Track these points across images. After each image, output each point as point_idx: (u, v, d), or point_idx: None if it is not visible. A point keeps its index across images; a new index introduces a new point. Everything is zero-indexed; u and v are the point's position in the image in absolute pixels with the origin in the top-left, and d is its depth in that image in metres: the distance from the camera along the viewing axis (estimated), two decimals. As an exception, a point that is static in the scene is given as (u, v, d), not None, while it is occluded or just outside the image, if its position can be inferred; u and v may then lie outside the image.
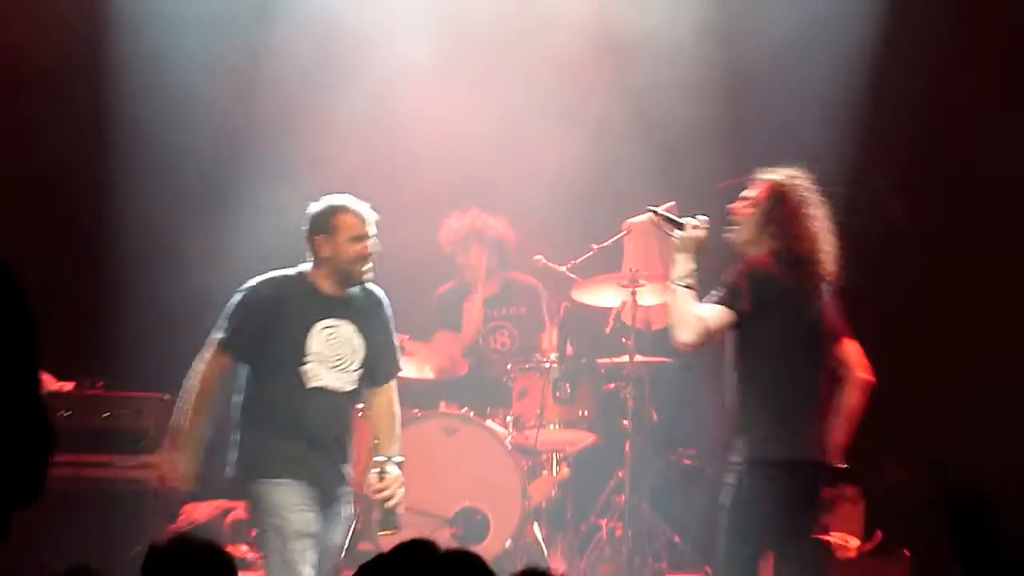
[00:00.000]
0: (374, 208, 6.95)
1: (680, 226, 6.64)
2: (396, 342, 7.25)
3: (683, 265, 6.61)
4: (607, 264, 9.47)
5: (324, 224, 6.87)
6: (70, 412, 8.91)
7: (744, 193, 6.73)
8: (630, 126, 10.06)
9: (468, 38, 10.03)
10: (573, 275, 9.23)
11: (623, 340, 9.42)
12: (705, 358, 8.97)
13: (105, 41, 9.86)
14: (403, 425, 7.26)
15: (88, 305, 9.73)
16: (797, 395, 6.62)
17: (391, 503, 6.95)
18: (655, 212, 6.75)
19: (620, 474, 9.42)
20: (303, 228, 6.94)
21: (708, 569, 9.37)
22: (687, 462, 10.07)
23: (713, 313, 6.51)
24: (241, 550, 9.37)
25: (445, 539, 8.46)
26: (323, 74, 9.91)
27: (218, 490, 9.28)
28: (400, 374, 7.33)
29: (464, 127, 9.92)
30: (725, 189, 9.11)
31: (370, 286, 7.03)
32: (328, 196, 6.94)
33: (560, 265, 9.26)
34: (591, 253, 9.16)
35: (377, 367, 7.08)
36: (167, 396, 8.74)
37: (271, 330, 6.83)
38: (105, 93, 9.84)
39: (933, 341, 9.76)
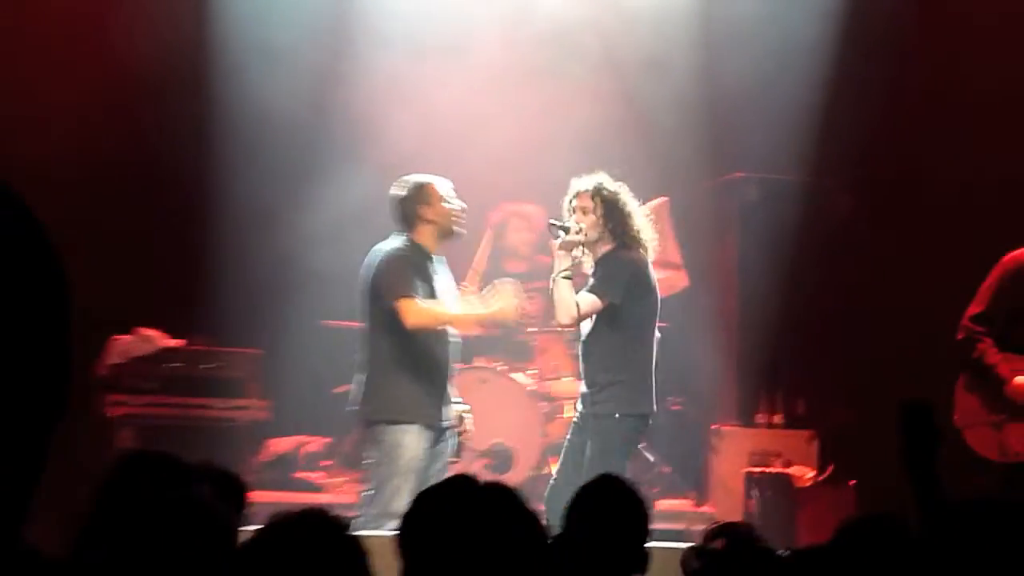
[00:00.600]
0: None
1: (566, 230, 7.33)
2: None
3: (564, 261, 7.35)
4: None
5: (423, 195, 7.55)
6: (181, 364, 9.54)
7: (578, 204, 7.37)
8: (627, 132, 10.11)
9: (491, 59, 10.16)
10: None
11: None
12: (687, 325, 9.92)
13: (209, 42, 10.14)
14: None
15: (196, 274, 9.98)
16: (649, 360, 7.50)
17: (462, 437, 7.70)
18: (550, 223, 7.42)
19: None
20: (400, 205, 7.56)
21: (691, 495, 9.99)
22: (674, 408, 10.37)
23: (586, 301, 7.30)
24: (312, 477, 10.04)
25: (479, 468, 8.95)
26: (403, 83, 10.03)
27: (293, 427, 10.18)
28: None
29: (502, 131, 10.09)
30: (708, 187, 10.64)
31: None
32: (407, 177, 7.59)
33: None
34: None
35: None
36: (258, 351, 9.71)
37: (427, 284, 7.51)
38: (210, 93, 10.17)
39: (878, 309, 10.10)
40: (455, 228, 7.55)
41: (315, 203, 10.01)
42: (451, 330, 7.55)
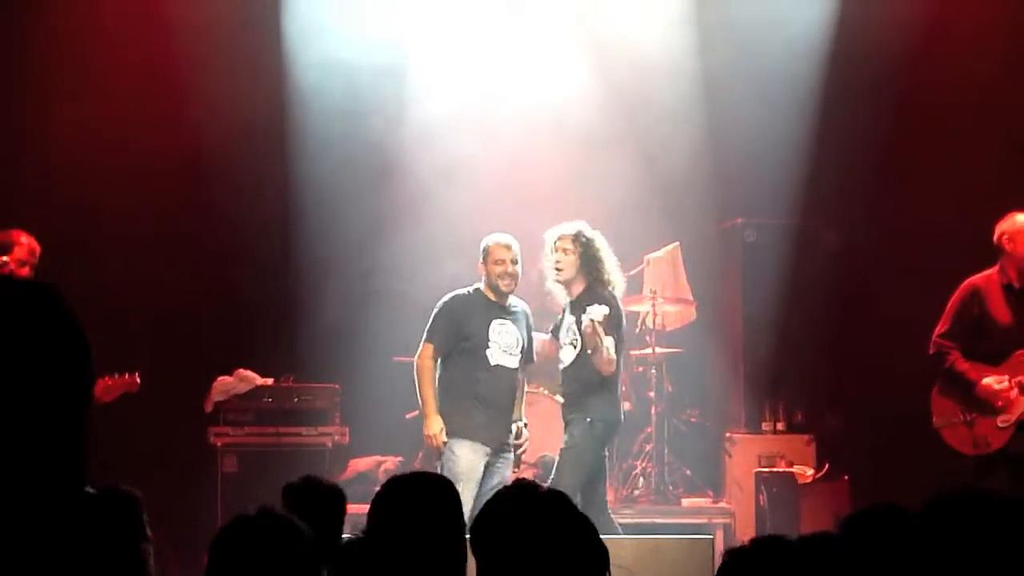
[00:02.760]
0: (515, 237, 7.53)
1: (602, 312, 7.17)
2: (532, 340, 7.83)
3: (607, 336, 7.29)
4: (634, 287, 9.51)
5: (483, 254, 7.66)
6: (271, 399, 9.44)
7: (559, 245, 7.29)
8: (640, 179, 10.02)
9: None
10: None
11: (647, 337, 9.84)
12: (701, 350, 10.18)
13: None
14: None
15: (283, 320, 10.03)
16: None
17: (520, 451, 7.77)
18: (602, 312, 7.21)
19: (648, 429, 9.83)
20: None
21: (710, 493, 9.84)
22: (693, 420, 10.38)
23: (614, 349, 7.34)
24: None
25: (531, 475, 8.86)
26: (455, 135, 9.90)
27: (372, 449, 10.01)
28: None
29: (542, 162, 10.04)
30: (718, 231, 10.50)
31: (516, 299, 7.69)
32: (488, 236, 7.61)
33: None
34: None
35: (526, 355, 7.76)
36: (336, 385, 9.54)
37: (463, 328, 7.55)
38: (290, 151, 10.05)
39: (863, 330, 10.15)
40: (500, 287, 7.61)
41: (384, 253, 9.99)
42: (507, 362, 7.61)
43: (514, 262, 7.56)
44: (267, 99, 9.76)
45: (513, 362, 7.62)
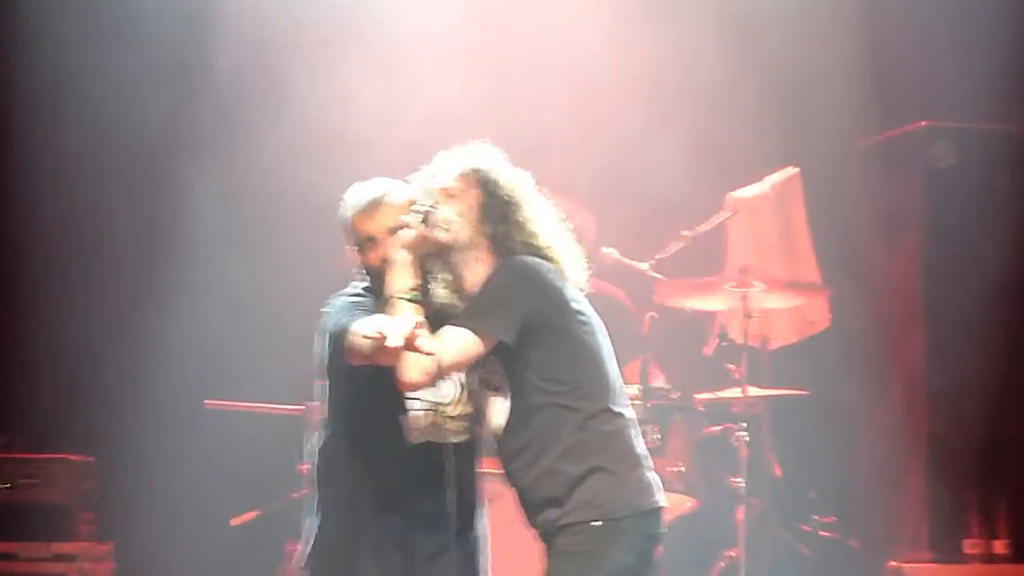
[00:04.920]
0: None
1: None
2: None
3: (407, 272, 5.15)
4: (705, 260, 7.64)
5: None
6: None
7: (440, 185, 5.06)
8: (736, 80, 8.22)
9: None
10: (658, 275, 7.21)
11: (730, 366, 7.44)
12: (840, 392, 8.00)
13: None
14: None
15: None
16: None
17: None
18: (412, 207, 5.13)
19: (732, 553, 7.35)
20: None
21: None
22: (824, 534, 7.93)
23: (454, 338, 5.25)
24: None
25: None
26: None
27: None
28: None
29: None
30: (865, 149, 8.19)
31: None
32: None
33: (640, 262, 7.32)
34: (682, 244, 7.17)
35: None
36: (89, 458, 7.41)
37: None
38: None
39: None
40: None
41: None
42: None
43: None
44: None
45: None
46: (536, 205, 4.90)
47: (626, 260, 7.53)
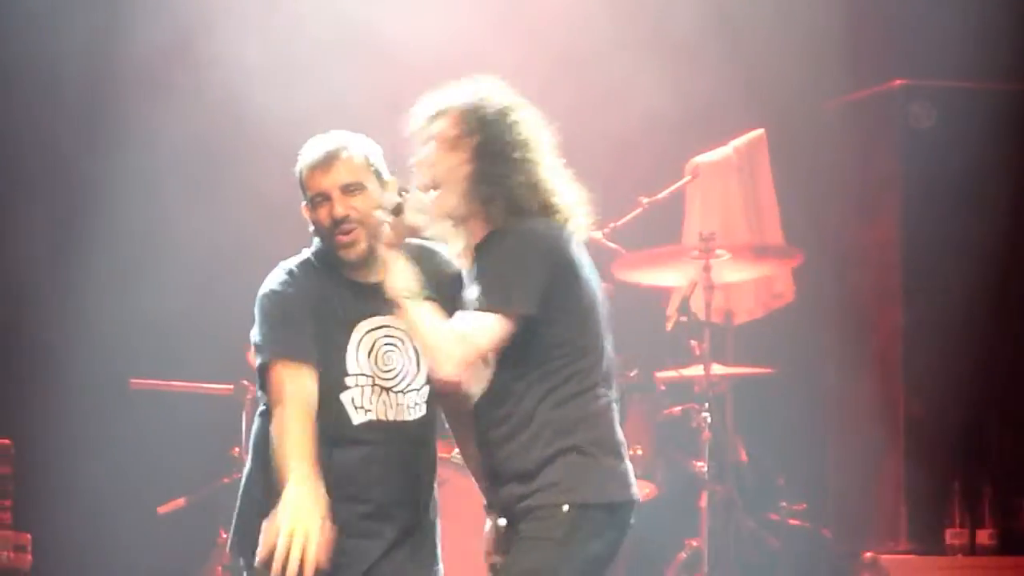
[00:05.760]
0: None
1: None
2: None
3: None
4: (664, 229, 7.51)
5: None
6: None
7: (424, 130, 4.47)
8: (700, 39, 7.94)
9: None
10: (613, 244, 6.95)
11: (692, 342, 7.19)
12: (811, 371, 7.81)
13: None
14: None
15: None
16: None
17: None
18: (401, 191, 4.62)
19: (694, 543, 7.12)
20: None
21: None
22: (794, 523, 7.63)
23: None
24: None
25: None
26: None
27: None
28: None
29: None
30: (837, 109, 7.96)
31: None
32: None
33: (594, 231, 6.68)
34: (639, 211, 6.99)
35: None
36: (5, 440, 6.74)
37: None
38: None
39: None
40: None
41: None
42: None
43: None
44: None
45: None
46: (548, 152, 4.49)
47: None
